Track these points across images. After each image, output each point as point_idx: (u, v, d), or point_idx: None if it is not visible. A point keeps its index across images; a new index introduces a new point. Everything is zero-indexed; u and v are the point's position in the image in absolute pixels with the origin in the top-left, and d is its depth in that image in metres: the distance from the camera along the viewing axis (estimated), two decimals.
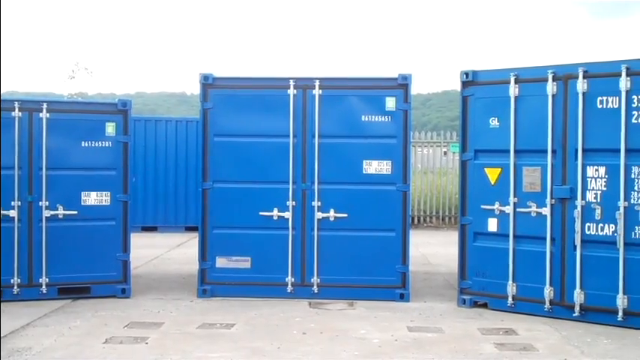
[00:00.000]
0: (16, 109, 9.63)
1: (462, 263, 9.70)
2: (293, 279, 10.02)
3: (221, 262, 10.06)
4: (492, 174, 9.40)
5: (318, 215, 9.97)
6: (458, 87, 9.72)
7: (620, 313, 8.43)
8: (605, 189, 8.60)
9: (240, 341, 7.83)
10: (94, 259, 9.87)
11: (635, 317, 8.37)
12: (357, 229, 9.95)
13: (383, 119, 9.91)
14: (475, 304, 9.61)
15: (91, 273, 9.88)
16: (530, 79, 9.13)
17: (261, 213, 10.00)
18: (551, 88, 8.93)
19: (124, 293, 10.02)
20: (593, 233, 8.67)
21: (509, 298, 9.26)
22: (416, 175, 20.90)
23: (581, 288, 8.72)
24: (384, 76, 10.03)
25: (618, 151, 8.44)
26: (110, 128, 9.95)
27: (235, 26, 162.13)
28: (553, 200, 8.94)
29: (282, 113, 9.96)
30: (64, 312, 9.19)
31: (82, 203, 9.87)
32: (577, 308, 8.73)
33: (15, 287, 9.62)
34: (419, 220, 21.10)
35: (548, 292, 8.96)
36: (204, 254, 10.09)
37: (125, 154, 10.01)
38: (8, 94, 25.41)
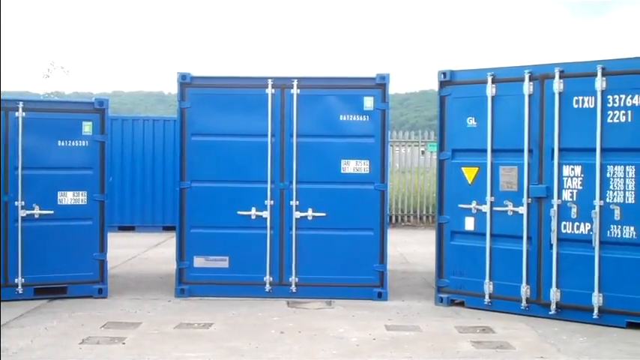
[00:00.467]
0: None
1: (439, 262, 9.75)
2: (271, 278, 10.01)
3: (199, 261, 10.04)
4: (469, 173, 9.45)
5: (297, 214, 9.97)
6: (436, 87, 9.77)
7: (596, 311, 8.51)
8: (580, 188, 8.67)
9: (218, 341, 7.81)
10: (70, 259, 9.80)
11: (610, 315, 8.45)
12: (336, 228, 9.97)
13: (361, 119, 9.93)
14: (452, 303, 9.65)
15: (67, 273, 9.81)
16: (507, 78, 9.19)
17: (239, 212, 9.98)
18: (527, 87, 8.99)
19: (101, 293, 9.97)
20: (569, 232, 8.75)
21: (486, 297, 9.32)
22: (394, 175, 20.96)
23: (558, 286, 8.79)
24: (362, 75, 10.05)
25: (594, 150, 8.52)
26: (87, 127, 9.89)
27: (213, 25, 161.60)
28: (529, 199, 9.01)
29: (260, 113, 9.95)
30: (40, 312, 9.12)
31: (59, 203, 9.80)
32: (553, 306, 8.80)
33: None
34: (397, 220, 21.16)
35: (524, 290, 9.03)
36: (181, 254, 10.06)
37: (102, 153, 9.96)
38: None
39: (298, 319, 8.85)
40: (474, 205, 9.41)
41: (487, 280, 9.31)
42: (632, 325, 8.33)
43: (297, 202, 9.97)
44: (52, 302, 9.67)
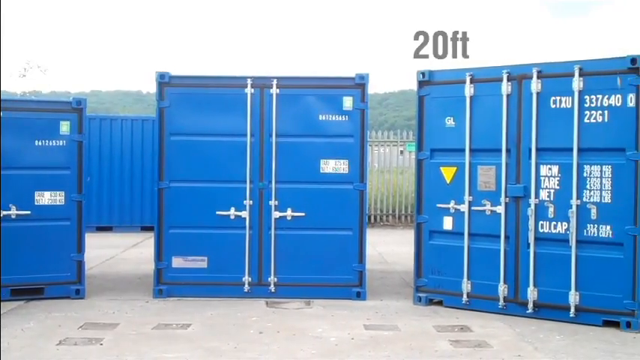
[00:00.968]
0: None
1: (417, 261, 9.78)
2: (250, 278, 10.00)
3: (177, 262, 10.00)
4: (448, 173, 9.49)
5: (276, 214, 9.97)
6: (414, 87, 9.79)
7: (572, 310, 8.57)
8: (558, 188, 8.74)
9: (196, 341, 7.79)
10: (47, 260, 9.73)
11: (586, 313, 8.52)
12: (315, 228, 9.97)
13: (340, 118, 9.94)
14: (431, 302, 9.69)
15: (44, 274, 9.73)
16: (485, 79, 9.24)
17: (218, 212, 9.96)
18: (505, 88, 9.04)
19: (79, 294, 9.90)
20: (546, 231, 8.81)
21: (464, 296, 9.36)
22: (373, 174, 21.00)
23: (535, 285, 8.85)
24: (342, 75, 10.06)
25: (571, 150, 8.58)
26: (64, 127, 9.82)
27: (192, 24, 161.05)
28: (507, 199, 9.06)
29: (239, 112, 9.94)
30: (16, 314, 9.04)
31: (36, 203, 9.73)
32: (530, 305, 8.86)
33: None
34: (375, 219, 21.20)
35: (502, 289, 9.08)
36: (160, 254, 10.02)
37: (80, 153, 9.90)
38: None
39: (277, 319, 8.84)
40: (452, 204, 9.45)
41: (465, 279, 9.35)
42: (608, 324, 8.40)
43: (276, 202, 9.97)
44: (29, 303, 9.59)
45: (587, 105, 8.52)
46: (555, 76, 8.74)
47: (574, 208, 8.58)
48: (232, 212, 9.96)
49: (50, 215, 9.76)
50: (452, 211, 9.46)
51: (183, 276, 9.99)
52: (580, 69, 8.53)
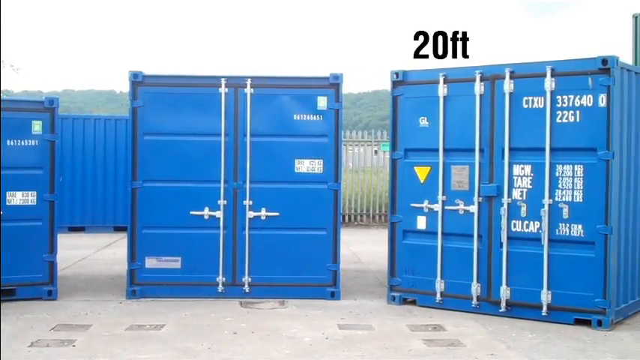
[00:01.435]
0: None
1: (391, 261, 9.81)
2: (224, 279, 9.97)
3: (150, 262, 9.95)
4: (422, 172, 9.53)
5: (250, 214, 9.95)
6: (389, 87, 9.82)
7: (545, 308, 8.64)
8: (530, 187, 8.80)
9: (170, 342, 7.76)
10: (19, 261, 9.61)
11: (558, 312, 8.60)
12: (289, 227, 9.97)
13: (314, 118, 9.95)
14: (404, 301, 9.72)
15: (16, 275, 9.61)
16: (459, 79, 9.29)
17: (191, 212, 9.92)
18: (478, 88, 9.10)
19: (51, 295, 9.82)
20: (518, 230, 8.88)
21: (438, 295, 9.40)
22: (347, 174, 21.01)
23: (507, 284, 8.91)
24: (316, 75, 10.07)
25: (543, 150, 8.66)
26: (37, 127, 9.74)
27: (166, 23, 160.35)
28: (480, 198, 9.12)
29: (213, 112, 9.91)
30: None
31: (7, 203, 9.63)
32: (503, 304, 8.92)
33: None
34: (350, 219, 21.23)
35: (475, 288, 9.13)
36: (133, 254, 9.96)
37: (52, 153, 9.82)
38: None
39: (251, 320, 8.83)
40: (425, 204, 9.49)
41: (438, 278, 9.39)
42: (579, 322, 8.48)
43: (251, 201, 9.95)
44: (0, 304, 9.49)
45: (559, 105, 8.59)
46: (527, 76, 8.81)
47: (546, 207, 8.65)
48: (206, 212, 9.93)
49: (22, 215, 9.66)
50: (425, 210, 9.50)
51: (157, 276, 9.93)
52: (552, 69, 8.61)
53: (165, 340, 7.86)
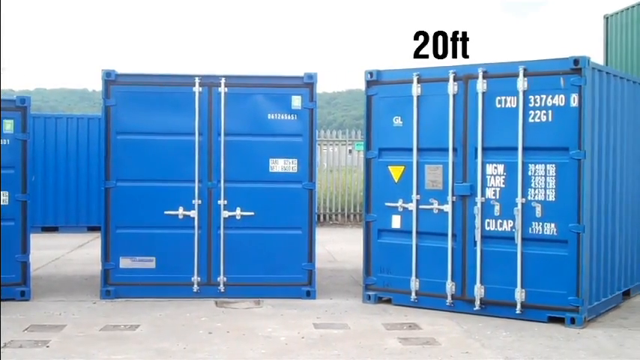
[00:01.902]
0: None
1: (366, 260, 9.84)
2: (199, 278, 9.94)
3: (125, 262, 9.90)
4: (396, 172, 9.57)
5: (225, 214, 9.93)
6: (363, 86, 9.85)
7: (519, 306, 8.72)
8: (503, 186, 8.87)
9: (145, 342, 7.72)
10: None
11: (532, 310, 8.67)
12: (264, 227, 9.96)
13: (289, 117, 9.95)
14: (380, 300, 9.76)
15: None
16: (432, 78, 9.33)
17: (166, 212, 9.88)
18: (452, 87, 9.15)
19: (24, 296, 9.73)
20: (492, 229, 8.94)
21: (413, 294, 9.45)
22: (321, 174, 21.03)
23: (482, 282, 8.97)
24: (290, 74, 10.07)
25: (516, 149, 8.73)
26: (8, 126, 9.64)
27: (139, 21, 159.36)
28: (454, 197, 9.17)
29: (187, 111, 9.87)
30: None
31: None
32: (477, 302, 8.99)
33: None
34: (325, 218, 21.25)
35: (449, 287, 9.19)
36: (107, 255, 9.90)
37: (24, 152, 9.72)
38: None
39: (227, 319, 8.81)
40: (400, 203, 9.53)
41: (413, 277, 9.44)
42: (552, 320, 8.56)
43: (225, 201, 9.93)
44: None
45: (531, 105, 8.66)
46: (500, 76, 8.88)
47: (519, 206, 8.72)
48: (181, 212, 9.89)
49: None
50: (400, 209, 9.54)
51: (131, 277, 9.88)
52: (524, 69, 8.68)
53: (140, 340, 7.82)
